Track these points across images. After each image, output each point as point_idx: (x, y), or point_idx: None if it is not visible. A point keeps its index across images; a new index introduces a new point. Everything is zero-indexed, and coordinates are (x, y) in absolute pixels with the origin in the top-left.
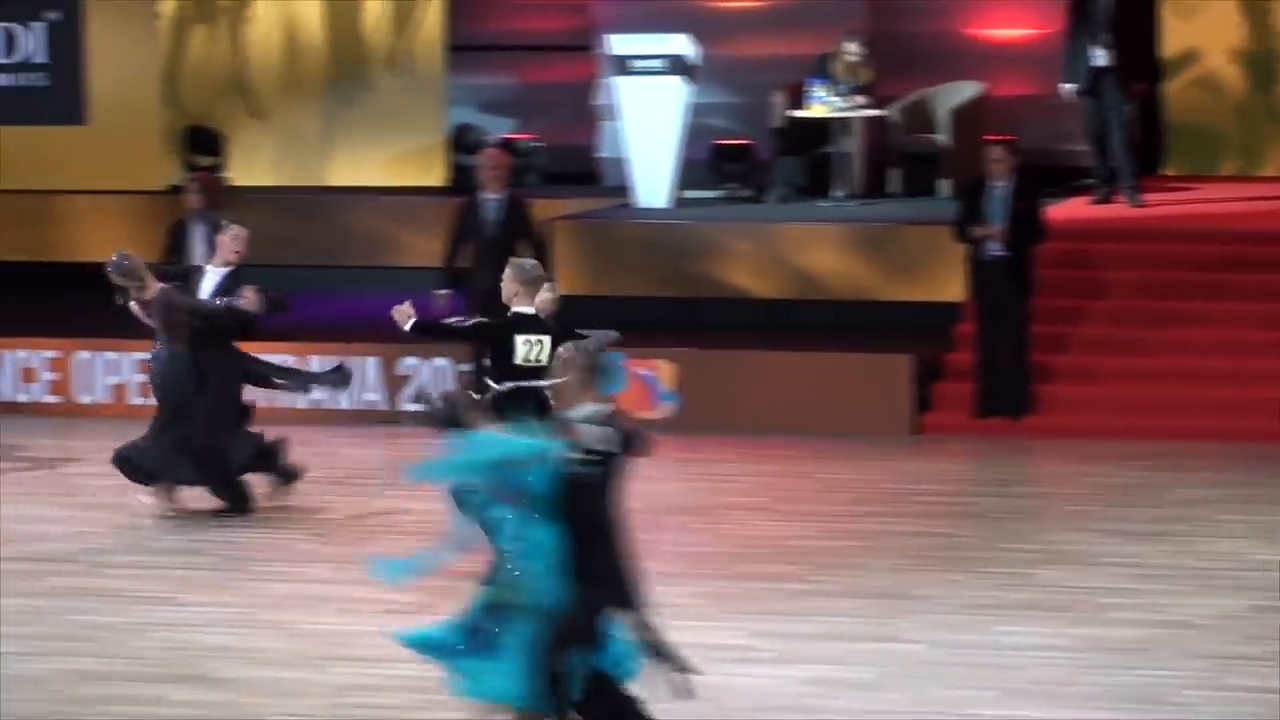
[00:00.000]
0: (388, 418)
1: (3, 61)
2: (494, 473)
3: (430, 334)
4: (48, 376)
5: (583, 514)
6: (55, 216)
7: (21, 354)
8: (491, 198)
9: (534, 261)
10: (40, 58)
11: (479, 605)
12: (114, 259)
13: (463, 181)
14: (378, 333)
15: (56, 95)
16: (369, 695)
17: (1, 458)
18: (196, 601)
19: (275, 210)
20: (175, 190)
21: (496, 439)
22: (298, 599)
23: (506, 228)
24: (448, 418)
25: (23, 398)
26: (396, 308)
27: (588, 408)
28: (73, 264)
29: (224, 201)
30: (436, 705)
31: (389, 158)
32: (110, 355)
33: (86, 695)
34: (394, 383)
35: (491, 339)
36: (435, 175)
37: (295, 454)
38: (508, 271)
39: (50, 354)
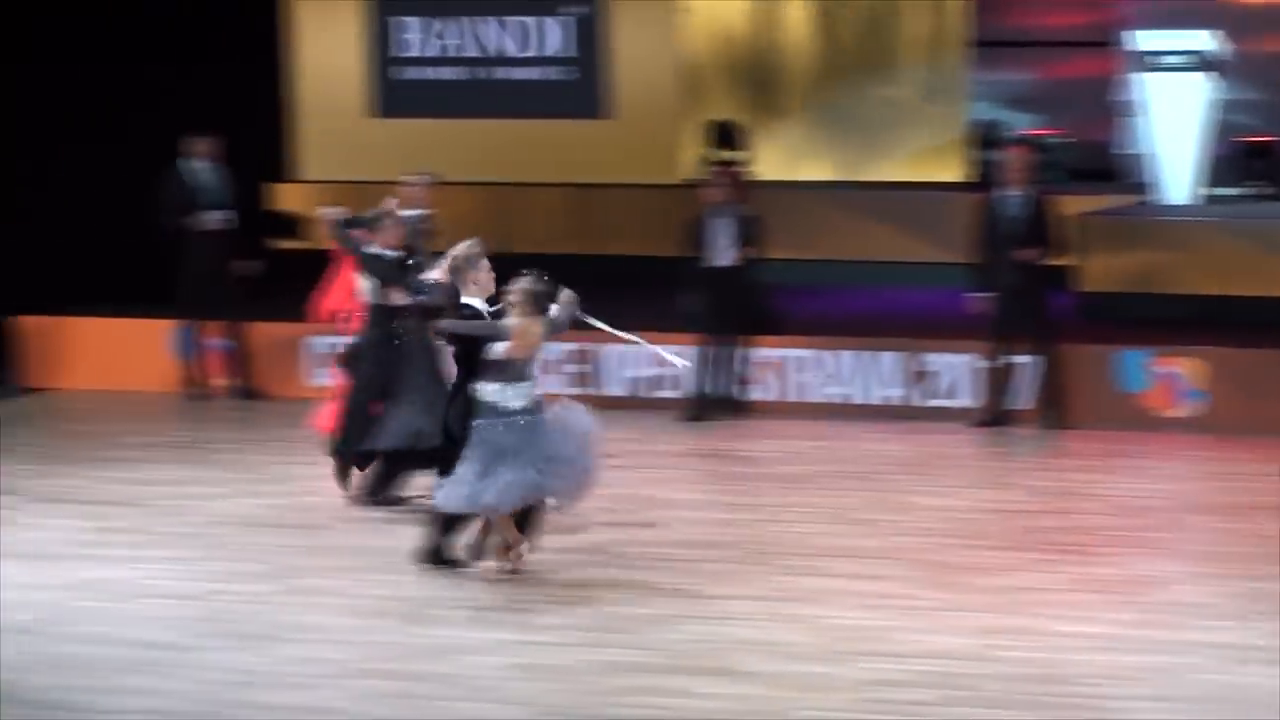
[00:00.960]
0: (908, 412)
1: (528, 55)
2: None
3: None
4: (570, 369)
5: None
6: (579, 209)
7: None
8: (1013, 194)
9: (461, 249)
10: (565, 52)
11: None
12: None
13: (985, 178)
14: (901, 327)
15: (581, 89)
16: (894, 690)
17: None
18: (723, 594)
19: (798, 205)
20: (696, 185)
21: None
22: (823, 593)
23: (1028, 225)
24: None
25: (545, 390)
26: None
27: None
28: (598, 256)
29: (747, 196)
30: (958, 701)
31: (911, 153)
32: (633, 349)
33: (616, 686)
34: (916, 378)
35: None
36: (956, 171)
37: (820, 447)
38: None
39: (572, 346)
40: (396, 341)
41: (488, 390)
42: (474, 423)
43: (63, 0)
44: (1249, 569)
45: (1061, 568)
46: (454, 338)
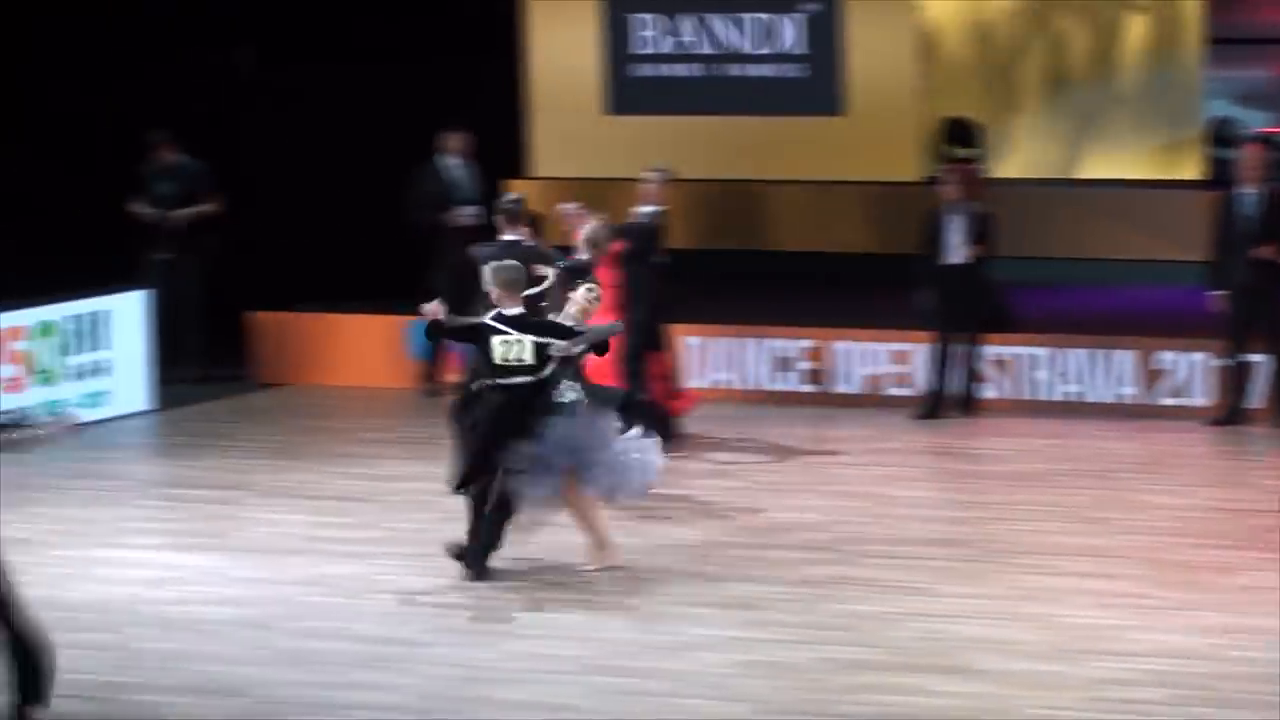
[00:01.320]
0: (1141, 411)
1: (763, 52)
2: None
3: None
4: (804, 366)
5: None
6: (814, 206)
7: (778, 343)
8: (1249, 192)
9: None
10: (799, 48)
11: None
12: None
13: (1220, 176)
14: (1135, 326)
15: (815, 86)
16: (1125, 690)
17: (759, 447)
18: (953, 592)
19: (1032, 203)
20: (930, 182)
21: None
22: (1054, 591)
23: (1264, 223)
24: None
25: (779, 386)
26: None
27: None
28: (831, 254)
29: (982, 194)
30: (1190, 701)
31: (1145, 151)
32: (866, 346)
33: (844, 684)
34: (1150, 376)
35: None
36: (1192, 169)
37: (1053, 445)
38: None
39: (806, 343)
40: None
41: (577, 388)
42: (561, 420)
43: (313, 3)
44: None
45: None
46: (597, 347)
